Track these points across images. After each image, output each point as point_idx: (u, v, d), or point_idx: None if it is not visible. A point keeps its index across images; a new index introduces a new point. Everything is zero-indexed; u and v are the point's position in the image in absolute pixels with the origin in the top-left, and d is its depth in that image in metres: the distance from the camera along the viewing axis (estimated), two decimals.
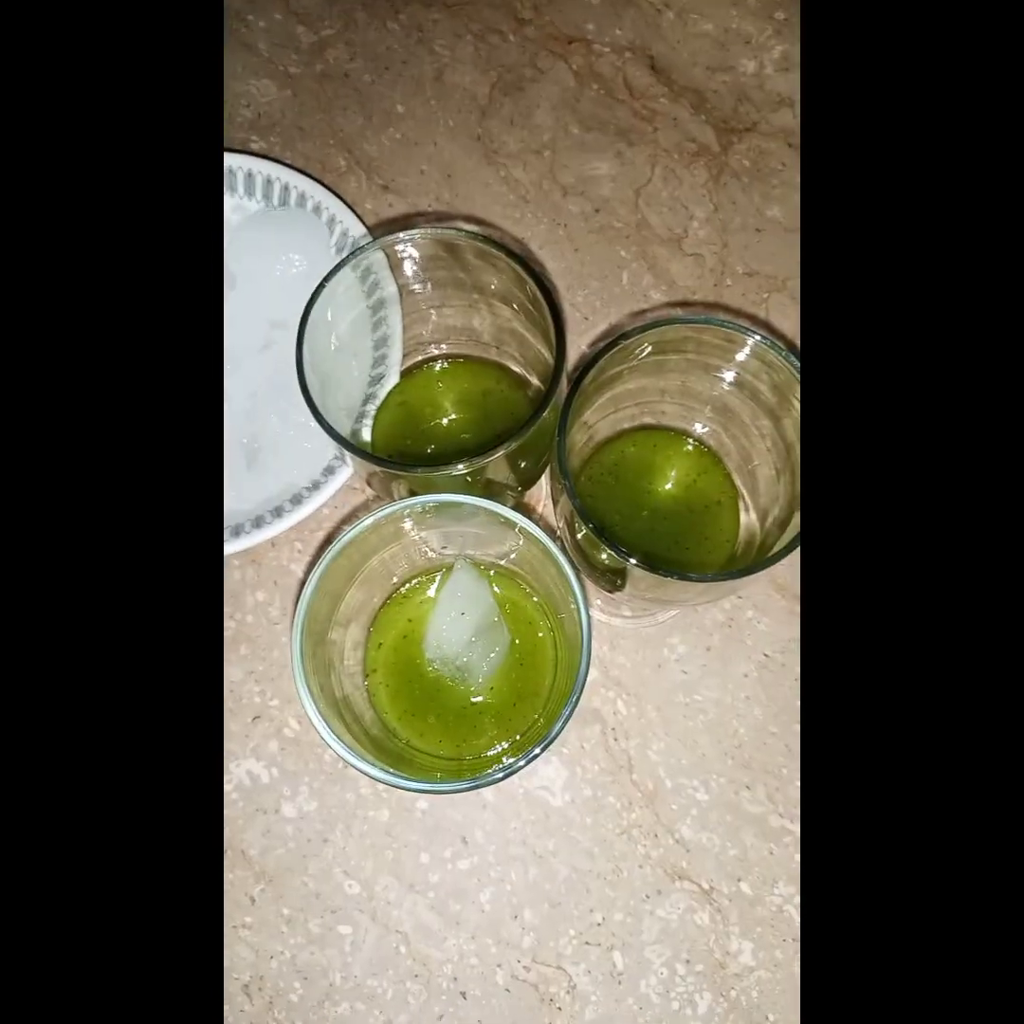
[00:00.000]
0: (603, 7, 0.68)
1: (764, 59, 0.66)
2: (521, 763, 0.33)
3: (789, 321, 0.59)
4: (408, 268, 0.44)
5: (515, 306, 0.44)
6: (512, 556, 0.44)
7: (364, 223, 0.57)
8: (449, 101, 0.66)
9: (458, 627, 0.44)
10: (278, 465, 0.54)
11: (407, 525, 0.39)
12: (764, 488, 0.44)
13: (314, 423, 0.38)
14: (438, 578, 0.46)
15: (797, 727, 0.51)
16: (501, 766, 0.33)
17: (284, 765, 0.52)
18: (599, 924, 0.49)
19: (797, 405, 0.40)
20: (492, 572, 0.46)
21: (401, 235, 0.40)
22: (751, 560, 0.42)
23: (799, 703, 0.52)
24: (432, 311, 0.48)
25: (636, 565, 0.35)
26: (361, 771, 0.34)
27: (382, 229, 0.62)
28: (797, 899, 0.49)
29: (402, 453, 0.48)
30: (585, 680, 0.34)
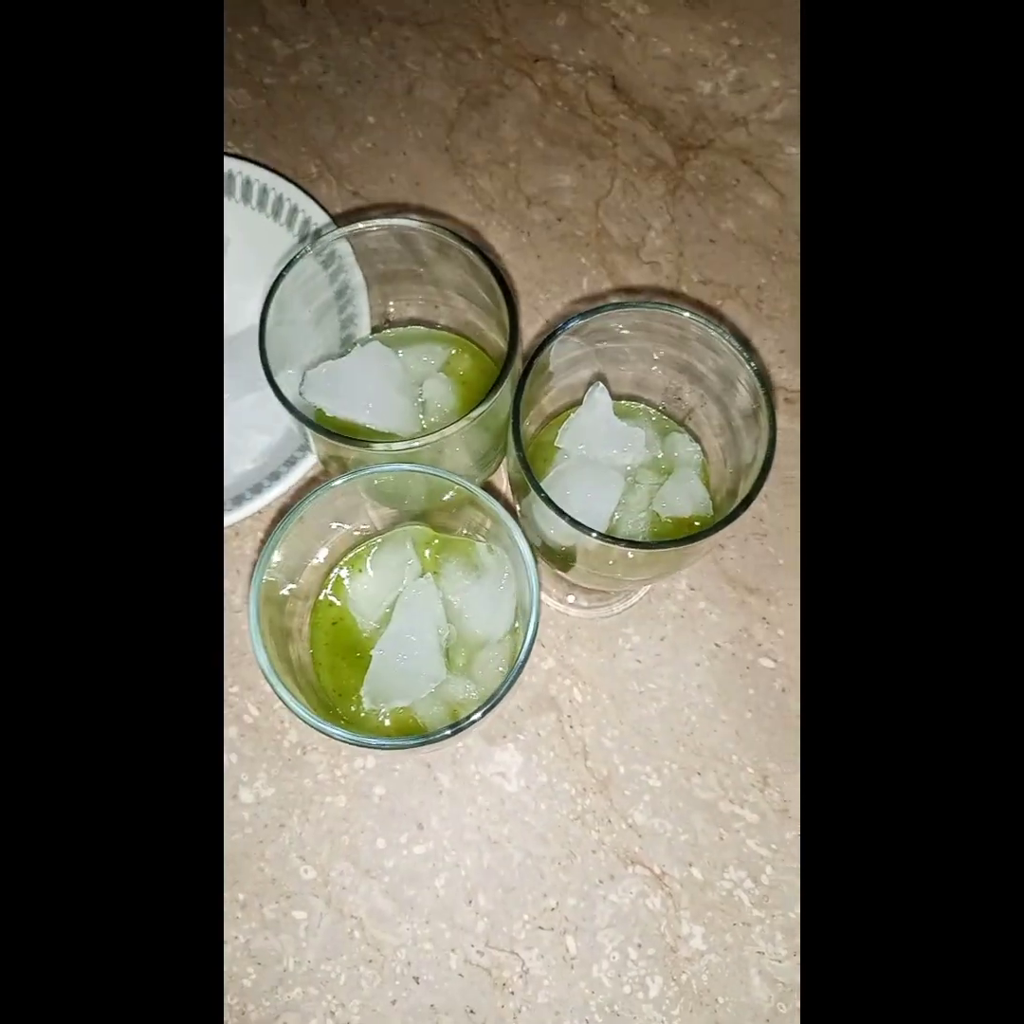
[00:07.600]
0: (568, 29, 0.71)
1: (720, 81, 0.69)
2: (463, 724, 0.34)
3: (741, 325, 0.61)
4: (367, 260, 0.45)
5: (471, 299, 0.46)
6: (465, 532, 0.45)
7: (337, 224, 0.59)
8: (419, 114, 0.68)
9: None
10: (239, 456, 0.55)
11: (364, 499, 0.40)
12: (714, 471, 0.46)
13: (277, 410, 0.39)
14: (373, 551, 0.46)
15: (748, 714, 0.52)
16: (448, 726, 0.34)
17: (243, 751, 0.52)
18: (552, 909, 0.49)
19: (742, 391, 0.41)
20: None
21: (359, 225, 0.42)
22: None
23: (750, 691, 0.53)
24: (390, 304, 0.49)
25: (592, 535, 0.37)
26: (301, 718, 0.35)
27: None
28: (747, 882, 0.50)
29: None
30: (531, 645, 0.36)
